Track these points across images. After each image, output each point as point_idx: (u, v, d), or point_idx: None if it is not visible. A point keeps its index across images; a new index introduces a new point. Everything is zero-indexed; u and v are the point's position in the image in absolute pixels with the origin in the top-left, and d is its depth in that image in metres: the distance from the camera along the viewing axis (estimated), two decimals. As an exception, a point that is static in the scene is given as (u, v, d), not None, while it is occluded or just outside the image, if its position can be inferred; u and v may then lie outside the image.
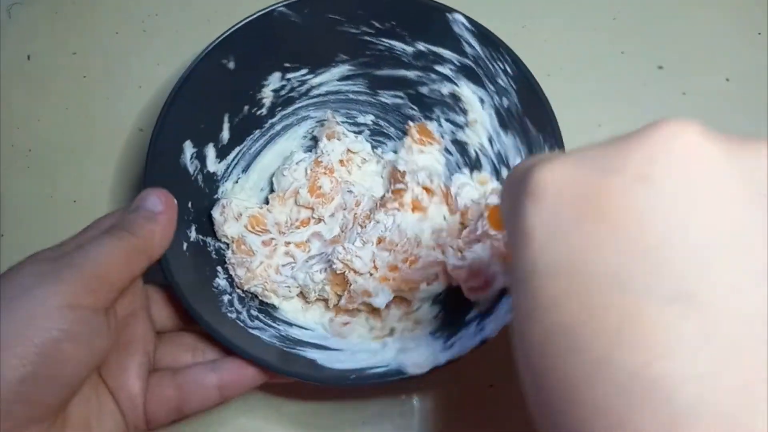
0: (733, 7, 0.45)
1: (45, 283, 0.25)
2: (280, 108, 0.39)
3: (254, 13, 0.35)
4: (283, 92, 0.39)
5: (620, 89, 0.44)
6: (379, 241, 0.35)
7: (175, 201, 0.31)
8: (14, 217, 0.42)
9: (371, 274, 0.35)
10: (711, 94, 0.44)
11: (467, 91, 0.37)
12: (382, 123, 0.41)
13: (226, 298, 0.35)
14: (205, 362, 0.32)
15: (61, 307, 0.25)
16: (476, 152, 0.38)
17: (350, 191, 0.38)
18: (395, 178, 0.37)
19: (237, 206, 0.37)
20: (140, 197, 0.31)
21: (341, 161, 0.39)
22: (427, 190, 0.37)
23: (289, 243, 0.37)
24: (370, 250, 0.35)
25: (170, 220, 0.31)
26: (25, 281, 0.26)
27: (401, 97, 0.39)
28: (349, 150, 0.39)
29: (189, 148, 0.35)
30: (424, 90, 0.39)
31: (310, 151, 0.40)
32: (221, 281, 0.36)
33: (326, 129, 0.39)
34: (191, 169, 0.35)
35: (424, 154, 0.38)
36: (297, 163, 0.38)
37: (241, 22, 0.35)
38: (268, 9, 0.35)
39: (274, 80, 0.38)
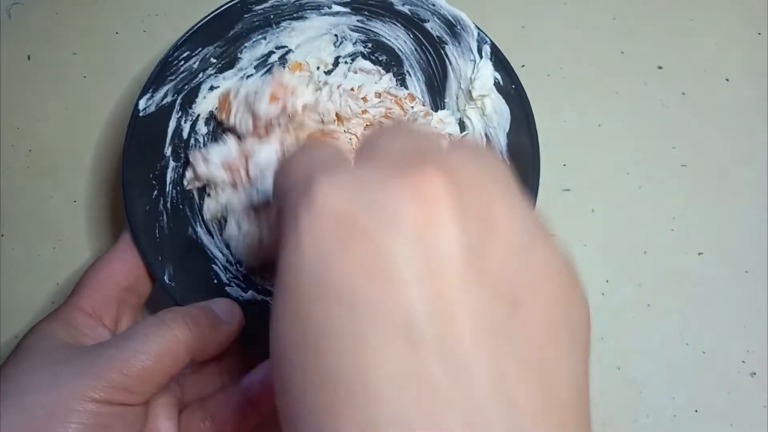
0: (733, 7, 0.45)
1: (81, 375, 0.25)
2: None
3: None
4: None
5: (620, 89, 0.44)
6: None
7: (242, 318, 0.30)
8: (14, 217, 0.42)
9: None
10: (711, 94, 0.44)
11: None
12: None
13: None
14: (232, 384, 0.31)
15: (95, 401, 0.24)
16: None
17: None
18: None
19: None
20: (213, 301, 0.30)
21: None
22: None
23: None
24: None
25: (231, 335, 0.30)
26: (57, 370, 0.25)
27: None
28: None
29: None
30: None
31: None
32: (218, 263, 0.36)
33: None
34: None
35: None
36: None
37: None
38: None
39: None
